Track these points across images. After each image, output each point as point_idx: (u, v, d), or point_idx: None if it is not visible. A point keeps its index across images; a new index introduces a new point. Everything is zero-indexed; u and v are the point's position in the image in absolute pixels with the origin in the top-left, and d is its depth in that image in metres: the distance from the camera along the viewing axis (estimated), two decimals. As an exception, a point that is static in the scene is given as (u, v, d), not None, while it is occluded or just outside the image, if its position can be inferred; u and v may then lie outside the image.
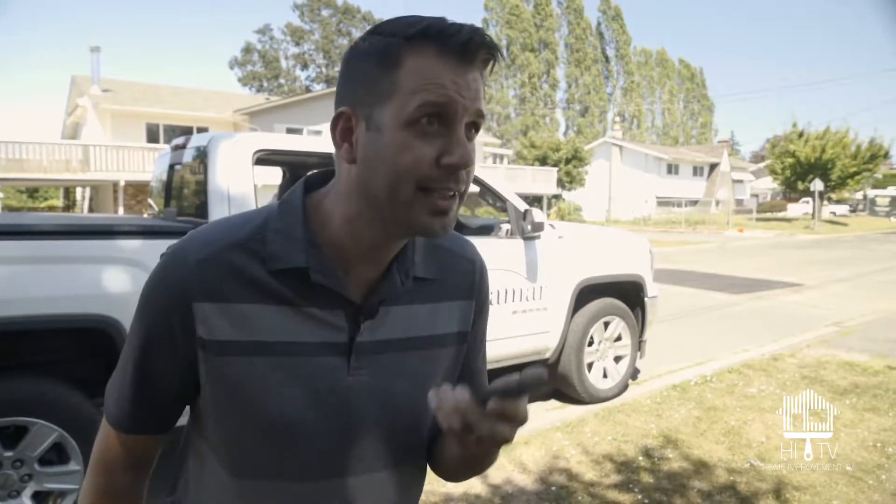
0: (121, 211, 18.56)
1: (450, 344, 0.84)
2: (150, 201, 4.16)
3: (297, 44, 52.63)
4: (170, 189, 3.66)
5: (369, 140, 0.68)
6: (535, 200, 26.30)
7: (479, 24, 0.70)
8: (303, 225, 0.73)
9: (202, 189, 2.97)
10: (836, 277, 11.61)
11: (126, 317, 2.42)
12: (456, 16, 0.69)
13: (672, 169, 39.10)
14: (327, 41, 52.17)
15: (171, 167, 3.60)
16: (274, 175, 4.66)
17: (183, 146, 3.40)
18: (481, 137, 30.53)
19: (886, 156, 33.22)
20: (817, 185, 27.35)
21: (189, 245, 0.74)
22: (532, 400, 4.29)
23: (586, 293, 4.04)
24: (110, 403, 0.79)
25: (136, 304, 0.77)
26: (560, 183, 30.70)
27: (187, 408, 0.81)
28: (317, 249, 0.73)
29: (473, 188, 3.71)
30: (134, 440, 0.79)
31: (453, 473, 0.87)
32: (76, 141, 21.08)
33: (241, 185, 2.93)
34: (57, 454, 2.46)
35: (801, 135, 33.20)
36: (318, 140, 3.54)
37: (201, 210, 2.97)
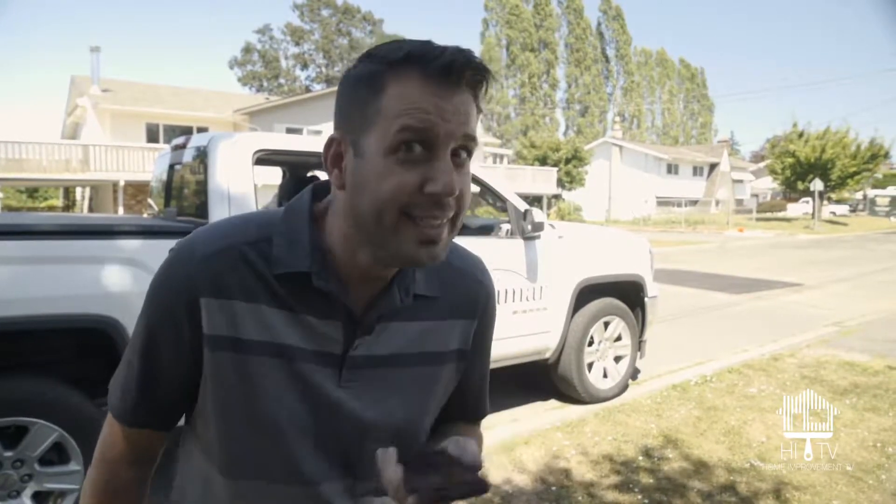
0: (121, 211, 18.56)
1: (448, 362, 0.84)
2: (150, 201, 4.16)
3: (297, 44, 52.59)
4: (170, 189, 3.66)
5: (356, 166, 0.68)
6: (534, 200, 26.30)
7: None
8: (308, 231, 0.74)
9: (202, 189, 2.97)
10: (837, 277, 11.61)
11: (126, 317, 2.43)
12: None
13: (672, 169, 39.10)
14: (327, 41, 52.14)
15: (171, 167, 3.60)
16: (274, 175, 4.66)
17: (183, 146, 3.40)
18: (481, 137, 30.55)
19: (886, 156, 33.22)
20: (817, 185, 27.36)
21: (196, 241, 0.75)
22: (532, 400, 4.30)
23: (586, 293, 4.03)
24: (114, 396, 0.80)
25: (144, 299, 0.77)
26: (560, 183, 30.71)
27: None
28: (321, 255, 0.73)
29: (474, 188, 3.71)
30: (136, 434, 0.79)
31: None
32: (76, 141, 21.08)
33: (242, 184, 2.93)
34: (57, 454, 2.46)
35: (801, 135, 33.22)
36: (319, 140, 3.54)
37: (201, 210, 2.97)
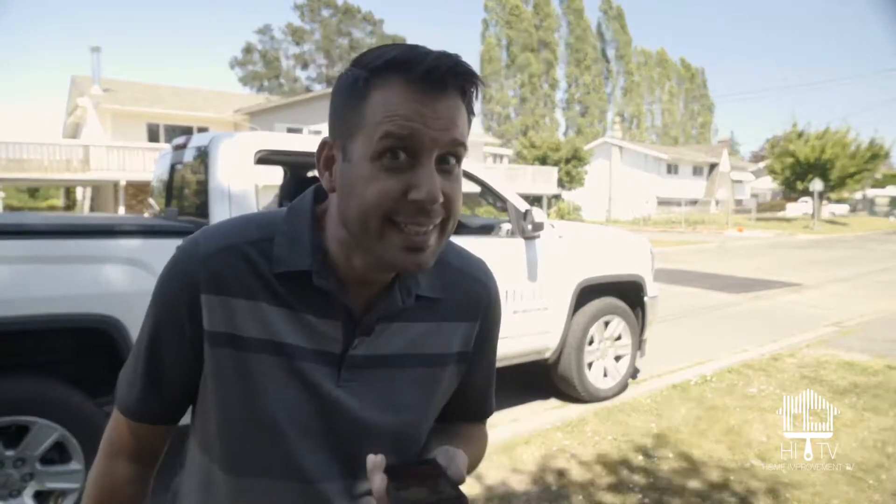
0: (121, 211, 18.58)
1: (449, 364, 0.84)
2: (151, 201, 4.16)
3: (298, 44, 52.60)
4: (171, 189, 3.67)
5: (344, 171, 0.69)
6: (535, 200, 26.29)
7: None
8: (310, 231, 0.75)
9: (203, 189, 2.97)
10: (836, 277, 11.61)
11: (127, 316, 2.44)
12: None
13: (672, 169, 39.08)
14: (327, 41, 52.15)
15: (173, 167, 3.60)
16: (275, 175, 4.66)
17: (184, 146, 3.40)
18: (481, 138, 30.56)
19: (886, 156, 33.21)
20: (817, 185, 27.37)
21: (200, 239, 0.76)
22: (532, 399, 4.30)
23: (586, 293, 4.04)
24: (121, 389, 0.81)
25: (150, 297, 0.79)
26: (560, 183, 30.70)
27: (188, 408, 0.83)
28: (321, 255, 0.74)
29: (474, 188, 3.71)
30: (141, 429, 0.80)
31: None
32: (77, 141, 21.05)
33: (242, 184, 2.93)
34: (58, 453, 2.46)
35: (800, 135, 33.23)
36: (319, 140, 3.54)
37: (202, 210, 2.97)
